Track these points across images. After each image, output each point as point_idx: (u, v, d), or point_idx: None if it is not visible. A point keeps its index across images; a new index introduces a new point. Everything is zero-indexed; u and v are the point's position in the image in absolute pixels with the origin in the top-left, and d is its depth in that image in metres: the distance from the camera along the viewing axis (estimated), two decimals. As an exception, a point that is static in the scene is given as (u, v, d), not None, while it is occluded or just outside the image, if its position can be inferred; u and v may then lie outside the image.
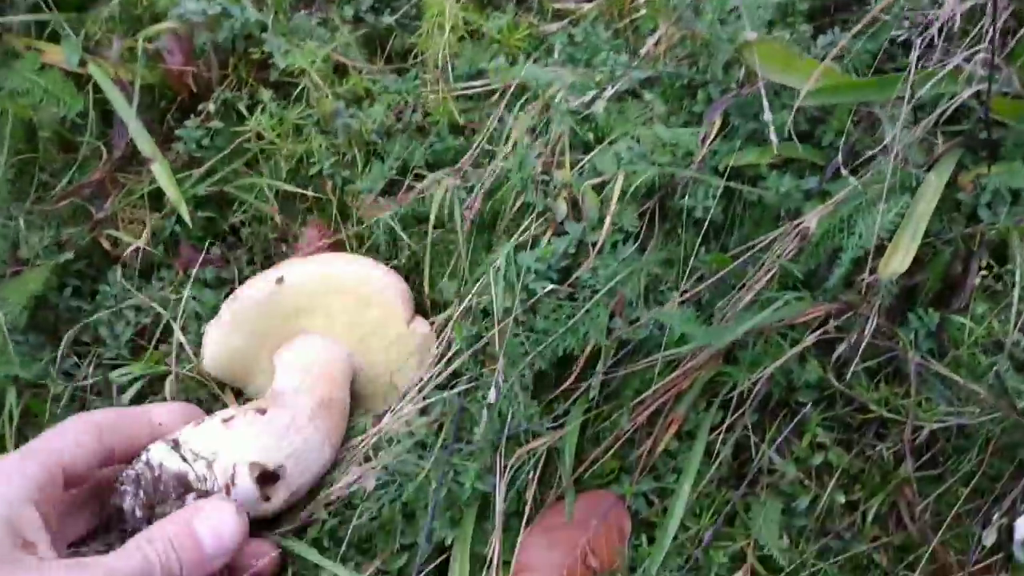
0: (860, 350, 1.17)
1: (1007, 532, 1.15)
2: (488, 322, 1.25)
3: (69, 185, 1.43)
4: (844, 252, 1.18)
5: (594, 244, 1.24)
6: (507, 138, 1.35)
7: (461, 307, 1.28)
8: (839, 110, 1.27)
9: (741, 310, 1.20)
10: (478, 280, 1.29)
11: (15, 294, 1.30)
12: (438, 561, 1.21)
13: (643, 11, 1.43)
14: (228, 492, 1.14)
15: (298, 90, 1.46)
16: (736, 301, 1.21)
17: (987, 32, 1.15)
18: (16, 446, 1.27)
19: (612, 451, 1.25)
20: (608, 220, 1.23)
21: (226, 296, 1.35)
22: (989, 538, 1.15)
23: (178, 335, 1.34)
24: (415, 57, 1.52)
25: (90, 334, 1.39)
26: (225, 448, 1.16)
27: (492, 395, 1.19)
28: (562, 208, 1.28)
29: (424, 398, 1.26)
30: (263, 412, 1.21)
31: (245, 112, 1.46)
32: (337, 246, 1.42)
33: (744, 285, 1.22)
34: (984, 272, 1.21)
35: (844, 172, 1.19)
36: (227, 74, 1.50)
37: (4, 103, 1.37)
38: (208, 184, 1.45)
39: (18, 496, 1.01)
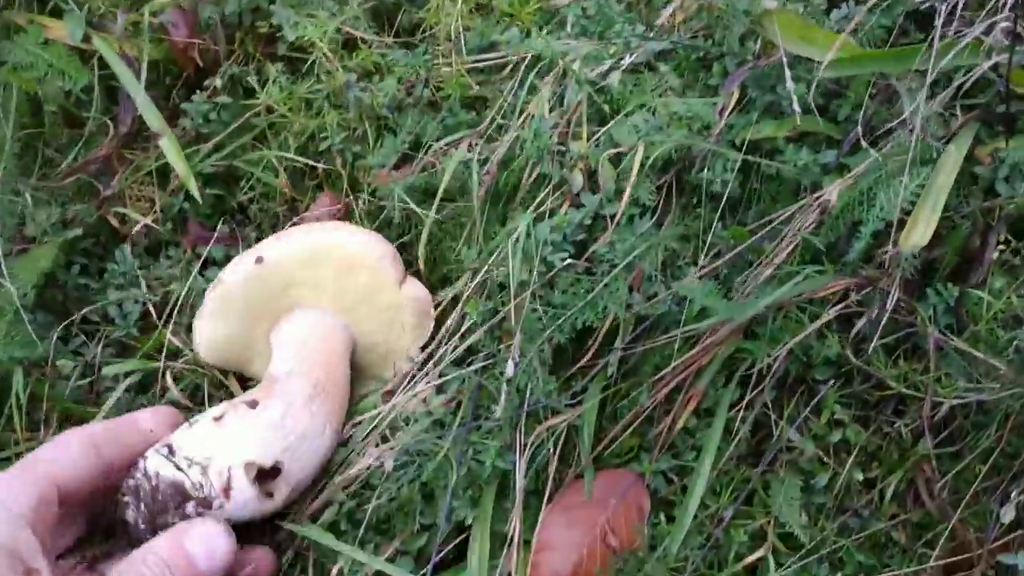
0: (881, 324, 1.16)
1: (1026, 509, 1.14)
2: (504, 296, 1.24)
3: (75, 161, 1.41)
4: (864, 225, 1.17)
5: (612, 217, 1.23)
6: (521, 111, 1.34)
7: (476, 280, 1.27)
8: (856, 83, 1.26)
9: (761, 284, 1.19)
10: (492, 253, 1.27)
11: (24, 272, 1.28)
12: (457, 540, 1.21)
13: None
14: (227, 496, 1.11)
15: (308, 64, 1.44)
16: (755, 276, 1.20)
17: (1006, 1, 1.14)
18: (24, 429, 1.25)
19: (631, 429, 1.24)
20: (628, 192, 1.21)
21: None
22: (1008, 515, 1.14)
23: (170, 332, 1.33)
24: (423, 31, 1.51)
25: (98, 312, 1.37)
26: (218, 450, 1.13)
27: (510, 369, 1.18)
28: (578, 179, 1.26)
29: (440, 375, 1.25)
30: (254, 405, 1.17)
31: (256, 86, 1.44)
32: (348, 215, 1.41)
33: (763, 260, 1.21)
34: (1002, 246, 1.21)
35: (864, 144, 1.18)
36: (233, 48, 1.48)
37: (8, 77, 1.34)
38: (216, 159, 1.43)
39: (16, 522, 0.99)
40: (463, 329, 1.28)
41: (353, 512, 1.21)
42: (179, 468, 1.11)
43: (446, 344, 1.29)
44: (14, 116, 1.33)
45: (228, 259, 1.38)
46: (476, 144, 1.33)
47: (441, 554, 1.17)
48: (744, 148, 1.24)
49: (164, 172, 1.43)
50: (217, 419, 1.16)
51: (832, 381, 1.22)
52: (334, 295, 1.30)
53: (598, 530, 1.19)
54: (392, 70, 1.42)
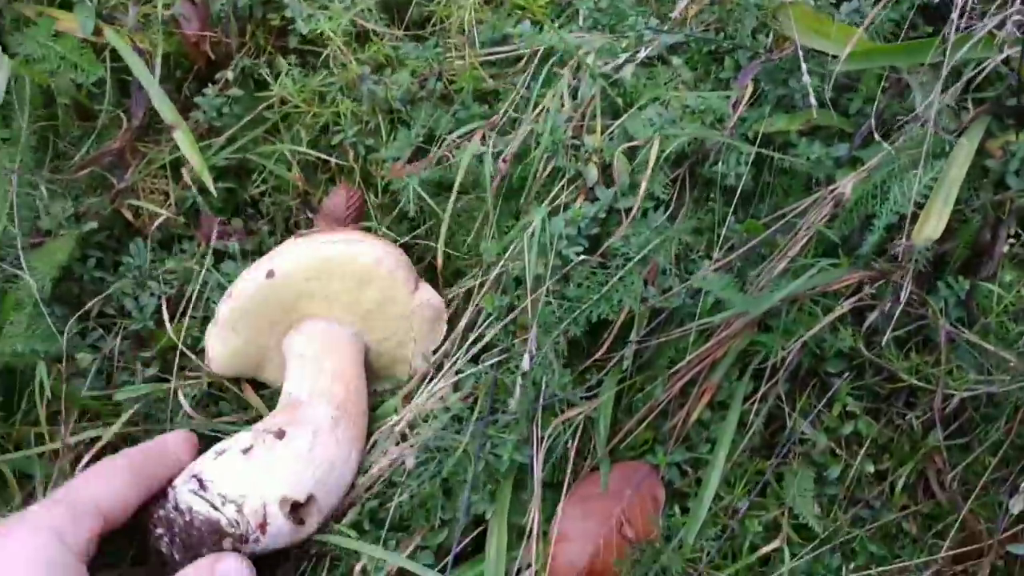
0: (894, 317, 1.16)
1: (1035, 500, 1.15)
2: (520, 291, 1.24)
3: (88, 154, 1.40)
4: (878, 218, 1.18)
5: (626, 210, 1.23)
6: (534, 104, 1.33)
7: (492, 275, 1.27)
8: (867, 77, 1.27)
9: (775, 277, 1.19)
10: (507, 247, 1.27)
11: (41, 264, 1.27)
12: (474, 534, 1.21)
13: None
14: (263, 532, 1.12)
15: (321, 57, 1.43)
16: (769, 269, 1.21)
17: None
18: (46, 422, 1.26)
19: (646, 421, 1.25)
20: (643, 185, 1.22)
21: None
22: (1017, 506, 1.15)
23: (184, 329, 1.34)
24: (433, 25, 1.50)
25: (114, 305, 1.37)
26: (252, 488, 1.12)
27: (526, 362, 1.19)
28: (593, 173, 1.26)
29: (456, 372, 1.25)
30: (281, 435, 1.17)
31: (269, 78, 1.43)
32: (363, 210, 1.41)
33: (777, 253, 1.21)
34: (1012, 240, 1.21)
35: (877, 137, 1.18)
36: (245, 41, 1.47)
37: (20, 69, 1.33)
38: (228, 153, 1.43)
39: (78, 567, 1.01)
40: (478, 324, 1.28)
41: (376, 511, 1.22)
42: (214, 507, 1.11)
43: (461, 340, 1.29)
44: (28, 109, 1.32)
45: (242, 254, 1.39)
46: (489, 137, 1.33)
47: (460, 546, 1.18)
48: (757, 141, 1.24)
49: (176, 166, 1.42)
50: (245, 451, 1.15)
51: (844, 374, 1.23)
52: (346, 306, 1.30)
53: (614, 521, 1.20)
54: (404, 63, 1.42)
